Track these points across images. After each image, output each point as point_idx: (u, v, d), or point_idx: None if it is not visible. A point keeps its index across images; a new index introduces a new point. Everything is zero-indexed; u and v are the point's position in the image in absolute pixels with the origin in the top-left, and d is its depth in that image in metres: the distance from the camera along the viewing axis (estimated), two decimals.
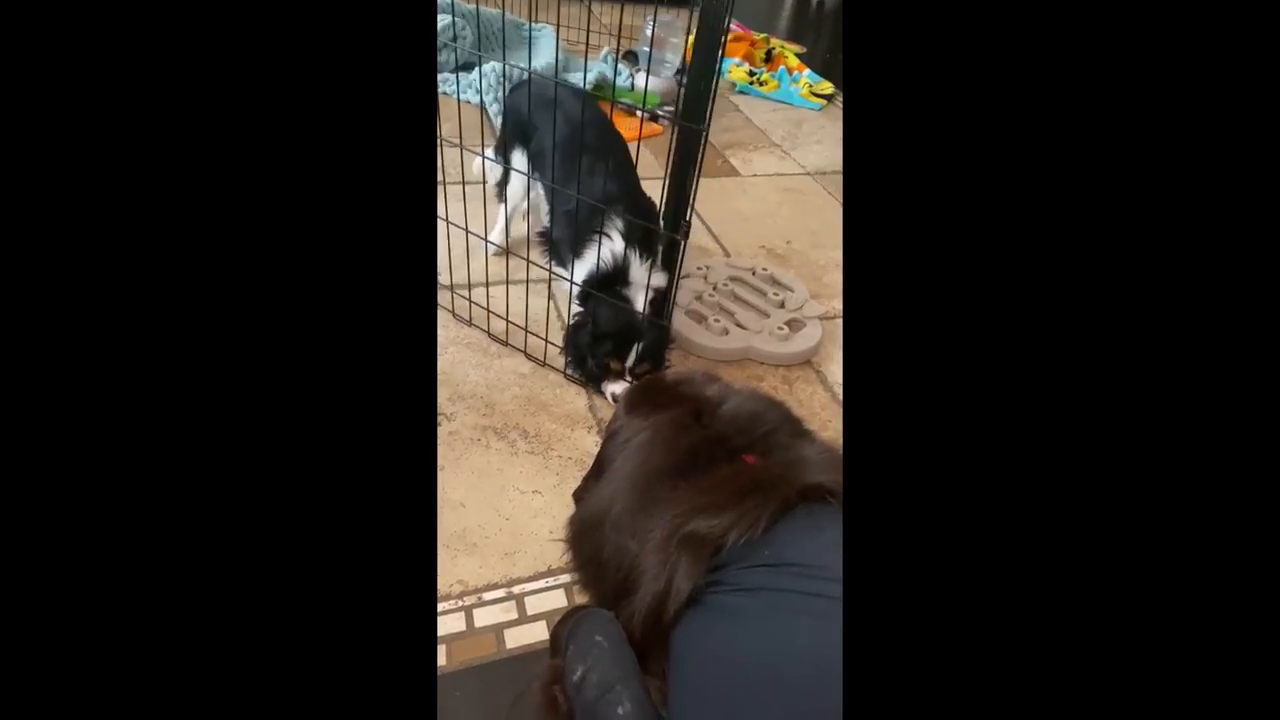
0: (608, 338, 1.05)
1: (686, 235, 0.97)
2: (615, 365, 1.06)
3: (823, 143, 2.08)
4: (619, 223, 1.06)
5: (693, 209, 0.97)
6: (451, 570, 0.83)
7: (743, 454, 0.72)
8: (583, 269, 1.09)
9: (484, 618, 0.78)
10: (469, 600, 0.80)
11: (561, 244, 1.14)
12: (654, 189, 1.07)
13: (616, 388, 1.07)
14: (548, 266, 1.15)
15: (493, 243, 1.28)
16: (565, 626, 0.70)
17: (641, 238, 1.07)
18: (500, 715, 0.72)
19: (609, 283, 1.07)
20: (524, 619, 0.79)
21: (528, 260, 1.15)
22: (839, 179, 1.88)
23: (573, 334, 1.10)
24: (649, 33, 2.06)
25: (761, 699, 0.53)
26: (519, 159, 1.23)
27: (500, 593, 0.81)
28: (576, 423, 1.05)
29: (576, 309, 1.12)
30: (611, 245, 1.06)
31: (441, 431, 1.01)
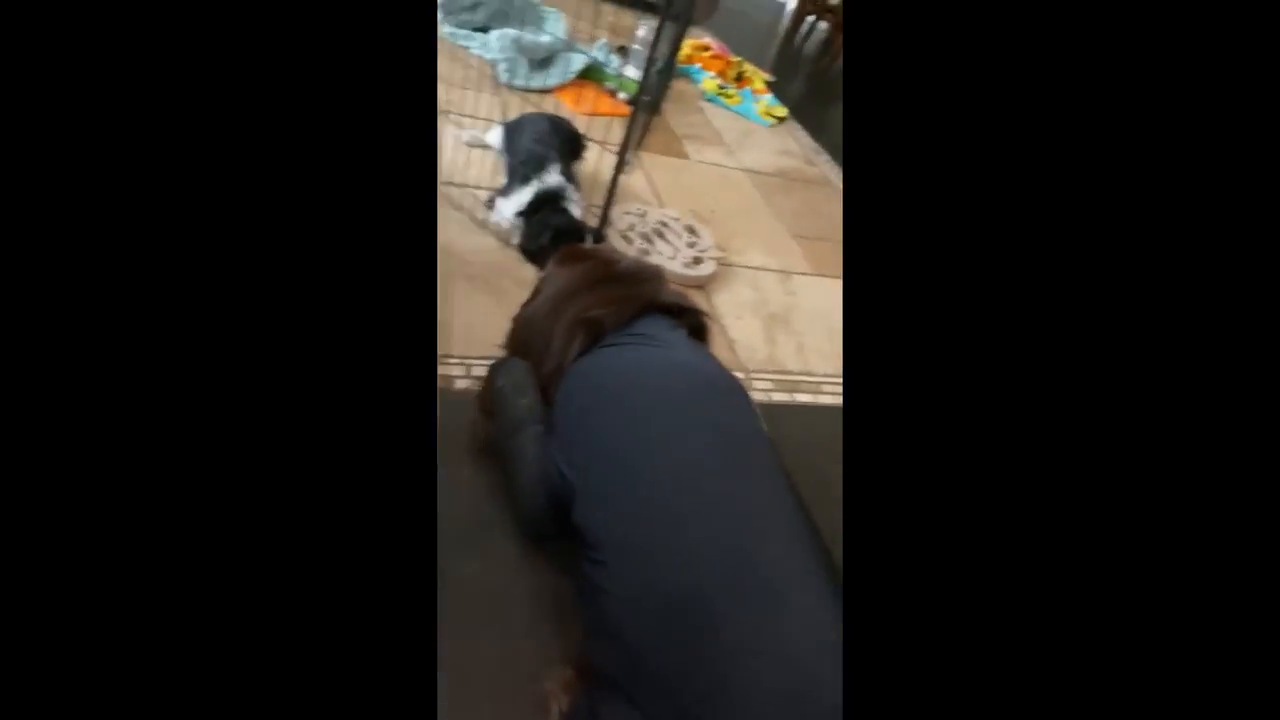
0: (564, 234, 1.47)
1: (620, 169, 1.41)
2: None
3: (762, 151, 2.56)
4: (557, 167, 1.55)
5: (633, 150, 1.40)
6: None
7: (629, 287, 1.14)
8: (529, 192, 1.52)
9: (442, 371, 1.19)
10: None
11: (513, 177, 1.60)
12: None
13: None
14: (489, 202, 1.62)
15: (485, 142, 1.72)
16: (496, 366, 1.11)
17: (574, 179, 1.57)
18: (448, 429, 1.12)
19: (553, 199, 1.51)
20: (469, 376, 1.19)
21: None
22: (768, 180, 2.34)
23: (532, 232, 1.52)
24: (640, 34, 2.50)
25: (611, 387, 0.95)
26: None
27: (455, 360, 1.21)
28: (529, 285, 1.46)
29: (519, 224, 1.55)
30: (551, 177, 1.52)
31: None
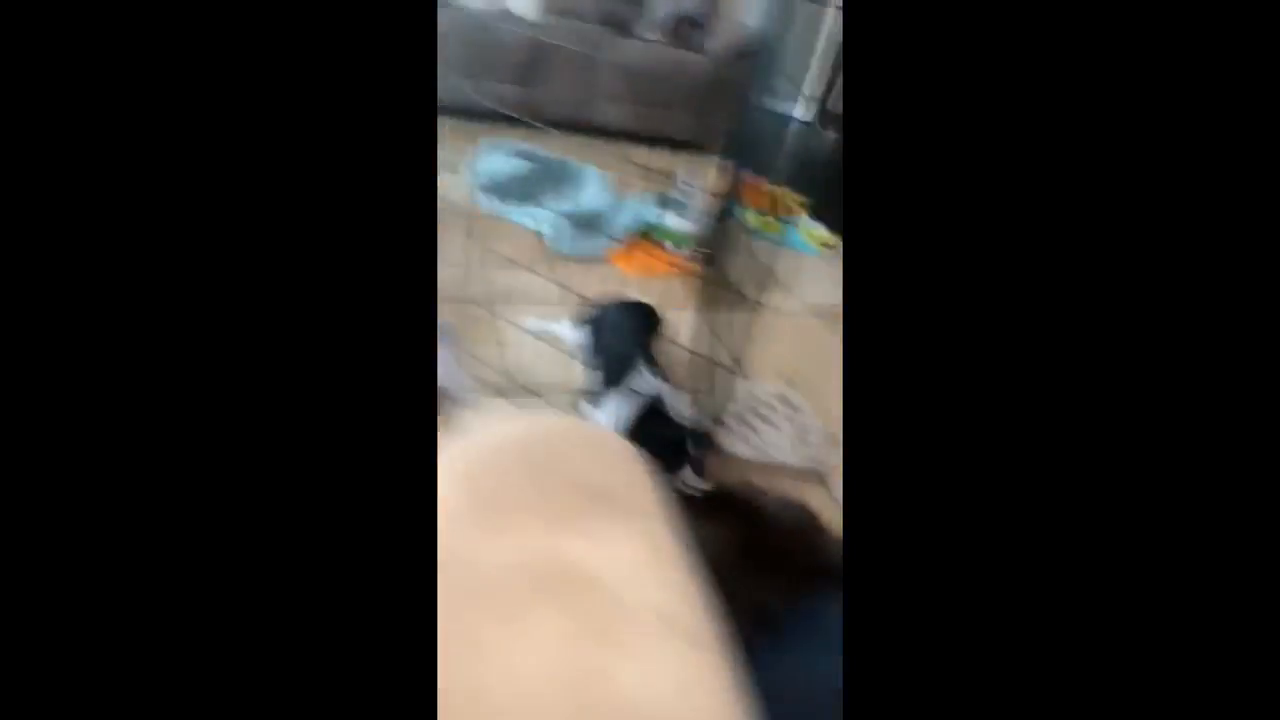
0: (676, 450, 1.29)
1: (737, 372, 1.25)
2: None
3: (821, 284, 2.44)
4: (646, 367, 1.40)
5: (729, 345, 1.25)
6: None
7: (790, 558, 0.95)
8: (625, 406, 1.37)
9: None
10: None
11: (600, 379, 1.45)
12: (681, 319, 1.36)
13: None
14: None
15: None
16: None
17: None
18: None
19: (656, 411, 1.34)
20: None
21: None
22: (837, 320, 2.21)
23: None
24: (680, 177, 2.44)
25: None
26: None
27: None
28: None
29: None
30: (644, 383, 1.37)
31: None
